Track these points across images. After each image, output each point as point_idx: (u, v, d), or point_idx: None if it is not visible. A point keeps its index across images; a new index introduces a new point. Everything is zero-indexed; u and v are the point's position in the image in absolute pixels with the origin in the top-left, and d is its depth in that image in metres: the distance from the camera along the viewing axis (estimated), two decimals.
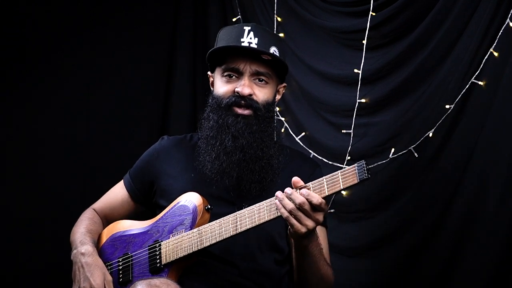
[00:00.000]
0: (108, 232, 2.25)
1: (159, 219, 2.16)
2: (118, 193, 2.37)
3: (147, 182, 2.30)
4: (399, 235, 2.89)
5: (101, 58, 3.49)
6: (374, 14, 2.89)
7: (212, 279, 2.10)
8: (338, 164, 3.04)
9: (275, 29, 3.25)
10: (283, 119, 3.25)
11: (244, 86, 2.16)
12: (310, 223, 1.88)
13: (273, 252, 2.18)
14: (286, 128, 3.23)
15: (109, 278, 2.10)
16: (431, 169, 2.80)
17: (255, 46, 2.15)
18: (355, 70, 2.97)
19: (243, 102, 2.16)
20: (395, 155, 2.88)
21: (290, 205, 1.88)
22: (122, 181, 2.38)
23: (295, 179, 1.93)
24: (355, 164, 1.84)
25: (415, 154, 2.82)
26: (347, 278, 2.98)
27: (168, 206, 2.15)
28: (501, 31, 2.58)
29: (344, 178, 1.84)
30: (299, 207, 1.87)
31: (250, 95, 2.16)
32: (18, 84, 3.31)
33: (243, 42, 2.16)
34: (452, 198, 2.74)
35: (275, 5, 3.26)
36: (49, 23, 3.36)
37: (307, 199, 1.87)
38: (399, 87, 2.88)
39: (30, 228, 3.29)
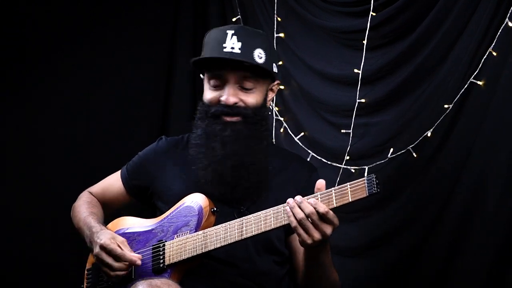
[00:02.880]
0: (111, 228, 2.23)
1: (164, 218, 2.15)
2: (114, 184, 2.37)
3: (142, 182, 2.30)
4: (398, 235, 2.89)
5: (101, 58, 3.48)
6: (374, 14, 2.89)
7: (214, 281, 2.09)
8: (337, 164, 3.04)
9: (275, 29, 3.25)
10: (282, 119, 3.25)
11: (228, 96, 2.12)
12: (316, 235, 1.87)
13: (271, 255, 2.17)
14: (285, 128, 3.23)
15: (121, 238, 2.08)
16: (430, 169, 2.80)
17: (238, 51, 2.10)
18: (355, 70, 2.97)
19: (230, 111, 2.14)
20: (394, 155, 2.88)
21: (300, 214, 1.87)
22: (119, 172, 2.38)
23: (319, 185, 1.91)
24: (365, 177, 1.82)
25: (414, 154, 2.82)
26: (347, 278, 2.97)
27: (174, 206, 2.14)
28: (500, 31, 2.58)
29: (353, 191, 1.83)
30: (308, 217, 1.86)
31: (236, 103, 2.14)
32: (18, 84, 3.31)
33: (225, 47, 2.11)
34: (451, 198, 2.74)
35: (275, 5, 3.26)
36: (49, 23, 3.35)
37: (314, 208, 1.86)
38: (399, 87, 2.88)
39: (30, 228, 3.29)
